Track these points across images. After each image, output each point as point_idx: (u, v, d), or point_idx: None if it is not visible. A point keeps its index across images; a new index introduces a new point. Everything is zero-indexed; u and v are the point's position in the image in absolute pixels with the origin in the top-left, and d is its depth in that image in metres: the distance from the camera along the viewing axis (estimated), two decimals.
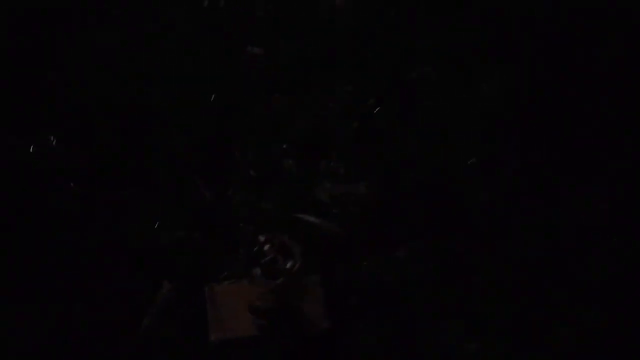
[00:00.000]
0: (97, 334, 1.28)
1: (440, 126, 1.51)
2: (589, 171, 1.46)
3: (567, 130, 1.51)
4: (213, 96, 1.56)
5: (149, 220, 1.39)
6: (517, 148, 1.49)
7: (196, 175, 1.45)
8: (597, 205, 1.41)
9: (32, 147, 1.47)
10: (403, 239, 1.39)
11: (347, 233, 1.40)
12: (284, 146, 1.51)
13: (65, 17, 1.67)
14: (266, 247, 1.21)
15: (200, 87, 1.58)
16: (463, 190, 1.45)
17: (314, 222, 1.40)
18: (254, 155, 1.50)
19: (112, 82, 1.58)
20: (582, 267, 1.34)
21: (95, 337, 1.27)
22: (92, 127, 1.51)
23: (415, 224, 1.40)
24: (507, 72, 1.57)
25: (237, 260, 1.33)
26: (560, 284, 1.33)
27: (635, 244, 1.36)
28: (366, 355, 1.31)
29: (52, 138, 1.50)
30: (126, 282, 1.32)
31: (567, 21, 1.64)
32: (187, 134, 1.50)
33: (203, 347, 1.27)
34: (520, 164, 1.46)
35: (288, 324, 1.28)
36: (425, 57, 1.61)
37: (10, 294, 1.33)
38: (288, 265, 1.20)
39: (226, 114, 1.54)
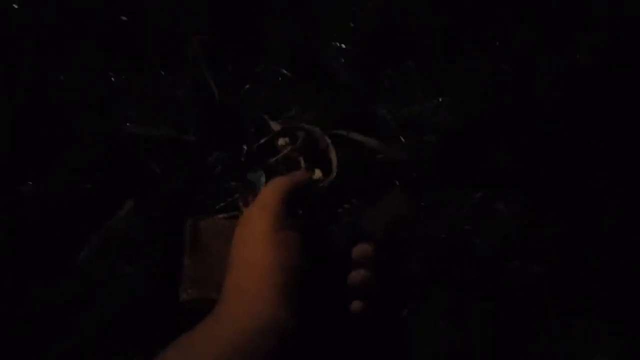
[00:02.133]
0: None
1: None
2: None
3: None
4: None
5: (125, 106, 0.92)
6: None
7: (202, 58, 0.98)
8: None
9: None
10: (499, 184, 0.89)
11: (417, 166, 0.91)
12: (339, 44, 1.02)
13: None
14: (281, 140, 0.72)
15: None
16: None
17: (368, 143, 0.91)
18: (290, 45, 1.01)
19: None
20: None
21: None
22: None
23: (520, 163, 0.90)
24: None
25: (244, 182, 0.86)
26: None
27: None
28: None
29: None
30: (72, 192, 0.86)
31: None
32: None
33: (167, 306, 0.79)
34: None
35: None
36: None
37: None
38: (314, 176, 0.72)
39: None
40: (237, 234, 0.62)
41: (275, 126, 0.73)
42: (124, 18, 1.00)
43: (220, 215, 0.85)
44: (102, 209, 0.83)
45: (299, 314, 0.54)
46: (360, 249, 0.65)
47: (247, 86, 0.96)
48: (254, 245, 0.60)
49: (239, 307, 0.54)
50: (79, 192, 0.84)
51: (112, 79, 0.97)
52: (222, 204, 0.86)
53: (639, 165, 0.93)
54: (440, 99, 0.96)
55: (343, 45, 1.01)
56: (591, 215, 0.91)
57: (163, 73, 0.98)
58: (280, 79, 0.98)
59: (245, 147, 0.82)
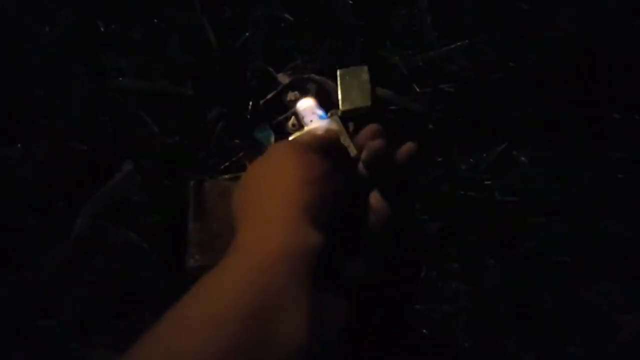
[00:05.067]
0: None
1: None
2: None
3: None
4: None
5: (116, 58, 0.84)
6: None
7: (197, 1, 0.89)
8: None
9: None
10: (521, 135, 0.84)
11: (434, 117, 0.85)
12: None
13: None
14: (291, 95, 0.65)
15: None
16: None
17: (381, 93, 0.84)
18: None
19: None
20: None
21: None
22: None
23: (544, 112, 0.84)
24: None
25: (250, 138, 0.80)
26: None
27: None
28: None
29: None
30: (63, 156, 0.79)
31: None
32: None
33: (174, 273, 0.75)
34: None
35: None
36: None
37: None
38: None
39: None
40: (255, 164, 0.55)
41: (283, 78, 0.66)
42: None
43: (225, 176, 0.79)
44: (97, 172, 0.76)
45: (326, 230, 0.47)
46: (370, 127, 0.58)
47: (247, 34, 0.88)
48: (278, 162, 0.51)
49: (261, 232, 0.46)
50: (70, 155, 0.77)
51: (101, 28, 0.89)
52: (226, 164, 0.80)
53: None
54: (458, 43, 0.89)
55: None
56: (616, 167, 0.86)
57: (155, 20, 0.90)
58: (282, 24, 0.90)
59: (250, 102, 0.75)
